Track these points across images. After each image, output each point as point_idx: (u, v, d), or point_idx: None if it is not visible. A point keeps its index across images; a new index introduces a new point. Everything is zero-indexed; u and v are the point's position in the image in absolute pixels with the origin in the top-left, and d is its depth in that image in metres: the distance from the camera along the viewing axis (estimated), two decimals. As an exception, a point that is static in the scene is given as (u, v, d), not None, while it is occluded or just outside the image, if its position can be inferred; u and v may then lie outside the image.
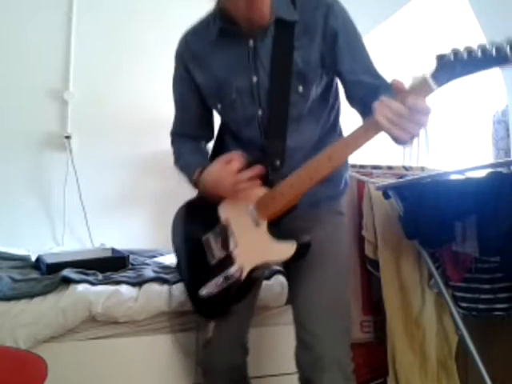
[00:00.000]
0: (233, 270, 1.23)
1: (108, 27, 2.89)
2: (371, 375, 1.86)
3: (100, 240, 2.69)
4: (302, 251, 1.16)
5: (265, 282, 1.75)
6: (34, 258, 2.15)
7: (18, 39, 2.73)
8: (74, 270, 1.79)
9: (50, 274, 1.80)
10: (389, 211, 1.73)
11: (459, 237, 1.53)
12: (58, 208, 2.78)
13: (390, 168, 2.07)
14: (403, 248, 1.73)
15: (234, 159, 1.17)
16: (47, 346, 1.58)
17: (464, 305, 1.62)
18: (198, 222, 1.34)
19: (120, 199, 2.89)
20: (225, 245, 1.26)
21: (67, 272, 1.74)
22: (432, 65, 0.91)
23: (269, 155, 1.21)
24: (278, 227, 1.19)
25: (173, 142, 1.45)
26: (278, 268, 1.85)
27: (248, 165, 1.18)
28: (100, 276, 1.82)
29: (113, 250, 2.30)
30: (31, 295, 1.64)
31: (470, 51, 0.88)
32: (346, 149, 1.05)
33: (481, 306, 1.60)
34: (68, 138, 2.80)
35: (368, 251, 1.78)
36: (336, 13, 1.18)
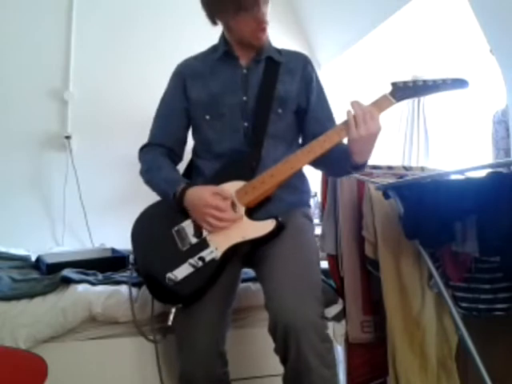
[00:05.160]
0: (208, 251, 1.37)
1: (108, 28, 2.90)
2: (371, 375, 1.86)
3: (100, 240, 2.68)
4: (279, 229, 1.36)
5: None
6: (34, 258, 2.15)
7: (18, 39, 2.74)
8: (74, 270, 1.79)
9: (49, 274, 1.80)
10: (389, 211, 1.73)
11: (459, 237, 1.53)
12: (58, 208, 2.78)
13: (390, 168, 2.07)
14: (403, 248, 1.73)
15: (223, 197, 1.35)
16: (47, 346, 1.58)
17: (464, 305, 1.62)
18: (165, 217, 1.44)
19: (120, 199, 2.89)
20: (198, 232, 1.39)
21: (67, 272, 1.74)
22: (389, 88, 1.36)
23: (247, 158, 1.43)
24: (253, 215, 1.38)
25: (146, 152, 1.58)
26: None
27: (229, 164, 1.43)
28: (100, 276, 1.82)
29: (113, 250, 2.30)
30: (31, 295, 1.64)
31: (414, 81, 1.34)
32: (323, 143, 1.35)
33: (481, 306, 1.60)
34: (68, 138, 2.81)
35: (368, 251, 1.78)
36: (312, 66, 1.56)
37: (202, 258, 1.36)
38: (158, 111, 1.58)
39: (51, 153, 2.81)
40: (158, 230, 1.44)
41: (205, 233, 1.38)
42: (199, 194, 1.35)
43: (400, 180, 1.80)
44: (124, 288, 1.73)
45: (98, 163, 2.86)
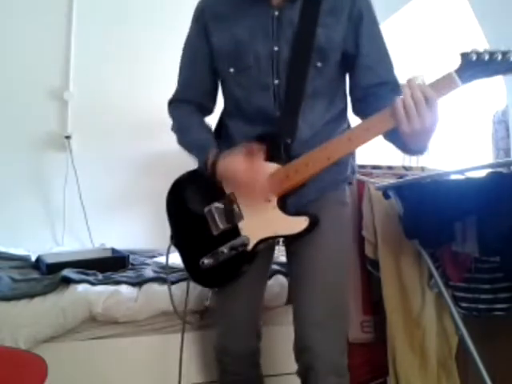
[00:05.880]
0: (239, 241, 1.26)
1: (108, 28, 2.89)
2: (371, 375, 1.86)
3: (100, 240, 2.68)
4: (312, 227, 1.22)
5: (269, 282, 1.75)
6: (34, 258, 2.15)
7: (18, 39, 2.73)
8: (74, 270, 1.79)
9: (50, 274, 1.80)
10: (389, 211, 1.72)
11: (459, 237, 1.53)
12: (58, 208, 2.77)
13: (390, 168, 2.07)
14: (403, 248, 1.73)
15: (256, 153, 1.19)
16: (47, 346, 1.58)
17: (464, 305, 1.62)
18: (198, 193, 1.34)
19: (120, 199, 2.89)
20: (229, 217, 1.28)
21: (67, 272, 1.74)
22: (457, 62, 1.03)
23: (281, 132, 1.23)
24: (286, 205, 1.24)
25: (174, 109, 1.42)
26: (278, 268, 1.85)
27: (259, 140, 1.22)
28: (100, 276, 1.82)
29: (113, 250, 2.30)
30: (31, 295, 1.64)
31: (491, 54, 1.02)
32: (367, 132, 1.13)
33: (481, 306, 1.60)
34: (68, 138, 2.80)
35: (368, 251, 1.78)
36: None
37: (233, 248, 1.27)
38: (182, 61, 1.40)
39: (51, 153, 2.81)
40: (190, 206, 1.34)
41: (236, 219, 1.28)
42: (232, 169, 1.20)
43: (400, 180, 1.80)
44: (124, 288, 1.73)
45: (98, 163, 2.85)
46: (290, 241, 1.34)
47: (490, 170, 1.44)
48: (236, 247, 1.27)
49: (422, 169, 2.16)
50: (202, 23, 1.32)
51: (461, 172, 1.63)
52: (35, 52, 2.76)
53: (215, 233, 1.29)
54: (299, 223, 1.23)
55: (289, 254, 1.38)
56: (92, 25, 2.87)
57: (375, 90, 1.25)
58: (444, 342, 1.75)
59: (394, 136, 1.13)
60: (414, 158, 3.24)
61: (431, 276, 1.68)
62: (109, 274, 1.86)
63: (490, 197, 1.38)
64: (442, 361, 1.73)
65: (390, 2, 2.82)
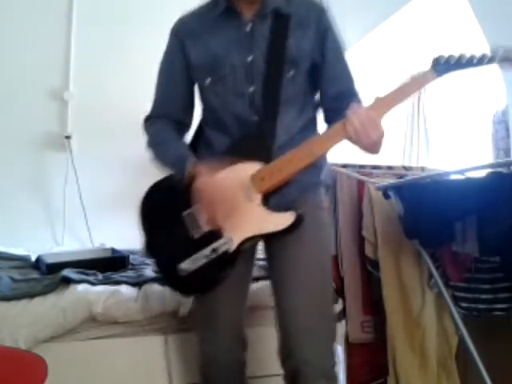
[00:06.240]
0: (222, 241, 1.24)
1: (108, 28, 2.89)
2: (371, 375, 1.86)
3: (100, 240, 2.68)
4: (298, 222, 1.24)
5: (264, 282, 1.75)
6: (33, 258, 2.15)
7: (18, 39, 2.73)
8: (74, 270, 1.79)
9: (50, 274, 1.80)
10: (389, 211, 1.72)
11: (459, 237, 1.53)
12: (58, 208, 2.78)
13: (390, 168, 2.07)
14: (403, 248, 1.73)
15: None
16: (47, 346, 1.58)
17: (464, 305, 1.62)
18: (175, 198, 1.32)
19: (120, 199, 2.89)
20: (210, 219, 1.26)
21: (67, 272, 1.74)
22: (431, 61, 1.19)
23: (261, 134, 1.27)
24: (269, 203, 1.26)
25: (151, 125, 1.43)
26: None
27: (242, 140, 1.29)
28: (100, 276, 1.82)
29: (113, 250, 2.30)
30: (31, 295, 1.64)
31: (460, 55, 1.18)
32: (326, 143, 1.24)
33: (481, 306, 1.60)
34: (68, 138, 2.80)
35: (368, 251, 1.78)
36: (327, 16, 1.34)
37: (215, 250, 1.24)
38: (159, 78, 1.42)
39: (51, 153, 2.81)
40: (167, 211, 1.33)
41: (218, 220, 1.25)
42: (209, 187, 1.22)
43: (400, 180, 1.80)
44: (124, 288, 1.73)
45: (98, 163, 2.85)
46: (271, 245, 1.35)
47: (490, 170, 1.44)
48: (217, 249, 1.24)
49: (422, 169, 2.16)
50: (179, 41, 1.37)
51: (461, 172, 1.63)
52: (35, 52, 2.76)
53: (197, 236, 1.27)
54: (285, 218, 1.24)
55: (269, 260, 1.38)
56: (92, 25, 2.87)
57: (342, 99, 1.31)
58: (444, 342, 1.74)
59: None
60: (413, 157, 3.25)
61: (431, 276, 1.68)
62: (109, 273, 1.86)
63: (490, 197, 1.38)
64: (442, 361, 1.73)
65: (390, 2, 2.82)
